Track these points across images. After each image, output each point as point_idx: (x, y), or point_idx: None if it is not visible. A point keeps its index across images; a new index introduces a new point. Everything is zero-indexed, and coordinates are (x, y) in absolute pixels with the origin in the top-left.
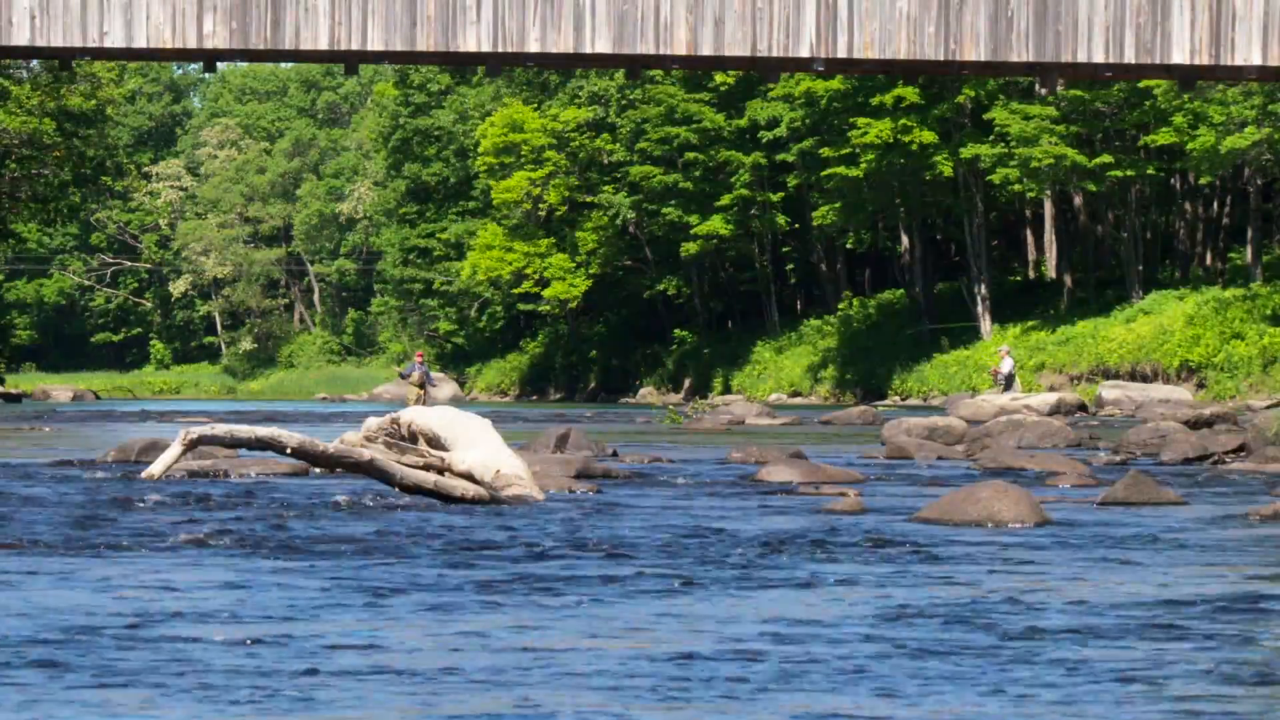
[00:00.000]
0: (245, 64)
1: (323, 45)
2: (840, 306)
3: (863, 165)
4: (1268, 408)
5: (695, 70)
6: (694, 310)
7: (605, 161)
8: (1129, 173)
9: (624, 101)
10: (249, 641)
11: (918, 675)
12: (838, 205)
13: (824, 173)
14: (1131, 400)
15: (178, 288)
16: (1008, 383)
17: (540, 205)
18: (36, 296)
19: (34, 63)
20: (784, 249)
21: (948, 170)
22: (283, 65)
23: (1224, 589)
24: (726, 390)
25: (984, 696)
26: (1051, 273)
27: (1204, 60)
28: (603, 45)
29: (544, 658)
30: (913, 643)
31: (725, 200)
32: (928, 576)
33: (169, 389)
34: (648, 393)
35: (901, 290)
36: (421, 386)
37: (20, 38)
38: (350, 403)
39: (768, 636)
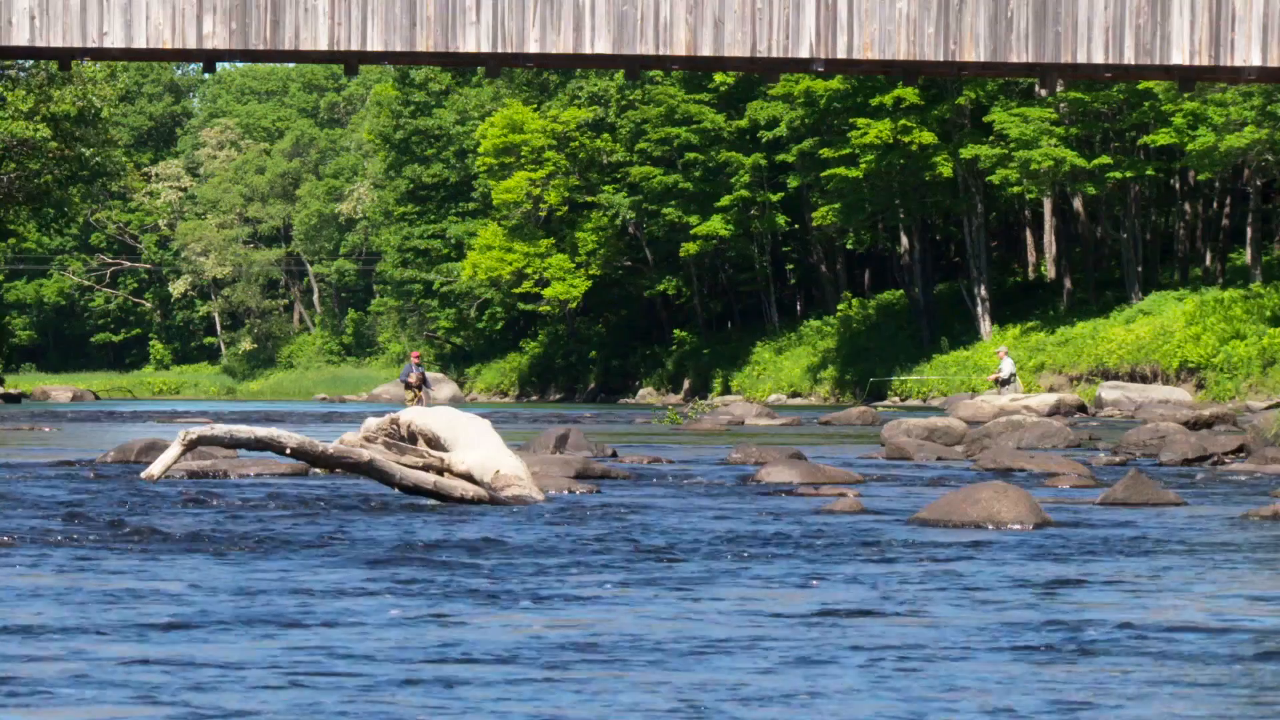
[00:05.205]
0: (244, 64)
1: (322, 46)
2: (840, 307)
3: (863, 166)
4: (1267, 408)
5: (695, 71)
6: (694, 311)
7: (605, 162)
8: (1128, 174)
9: (624, 102)
10: (247, 642)
11: (914, 675)
12: (838, 205)
13: (824, 173)
14: (1131, 401)
15: (177, 288)
16: (1003, 383)
17: (540, 206)
18: (36, 297)
19: (28, 64)
20: (784, 249)
21: (947, 171)
22: (282, 65)
23: (1222, 590)
24: (726, 391)
25: (980, 697)
26: (1051, 273)
27: (1203, 61)
28: (602, 46)
29: (541, 657)
30: (910, 643)
31: (725, 201)
32: (925, 577)
33: (169, 389)
34: (647, 393)
35: (901, 291)
36: (419, 387)
37: (20, 38)
38: (350, 403)
39: (764, 635)
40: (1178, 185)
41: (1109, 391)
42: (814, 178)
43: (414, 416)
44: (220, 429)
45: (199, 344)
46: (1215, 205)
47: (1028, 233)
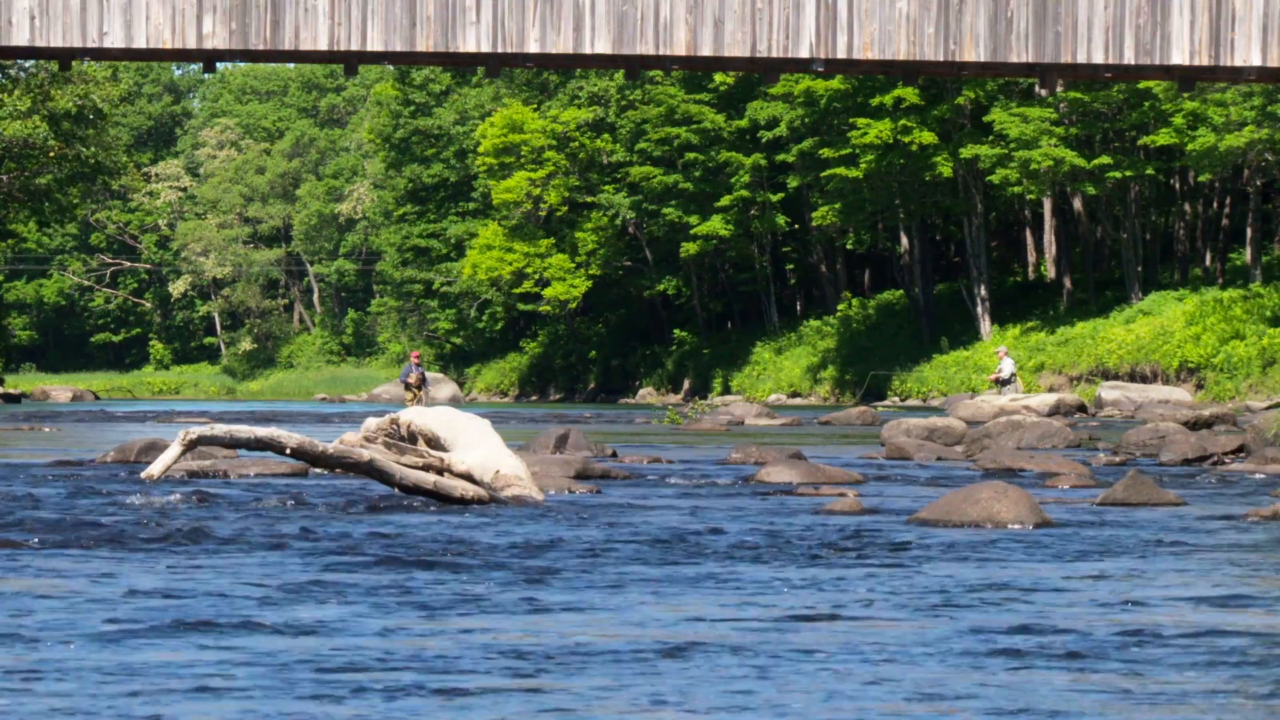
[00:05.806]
0: (245, 64)
1: (322, 46)
2: (840, 307)
3: (863, 165)
4: (1267, 408)
5: (695, 71)
6: (694, 311)
7: (605, 162)
8: (1128, 174)
9: (624, 102)
10: (240, 645)
11: (913, 675)
12: (838, 205)
13: (824, 173)
14: (1131, 401)
15: (177, 288)
16: (1003, 383)
17: (540, 206)
18: (36, 297)
19: (28, 64)
20: (784, 249)
21: (947, 171)
22: (282, 65)
23: (1222, 591)
24: (726, 391)
25: (980, 698)
26: (1051, 273)
27: (1203, 61)
28: (602, 46)
29: (540, 658)
30: (910, 643)
31: (725, 201)
32: (925, 577)
33: (169, 389)
34: (647, 393)
35: (901, 291)
36: (419, 387)
37: (20, 38)
38: (349, 403)
39: (763, 635)
40: (1178, 185)
41: (1109, 391)
42: (814, 178)
43: (414, 416)
44: (220, 429)
45: (199, 344)
46: (1215, 205)
47: (1028, 233)
